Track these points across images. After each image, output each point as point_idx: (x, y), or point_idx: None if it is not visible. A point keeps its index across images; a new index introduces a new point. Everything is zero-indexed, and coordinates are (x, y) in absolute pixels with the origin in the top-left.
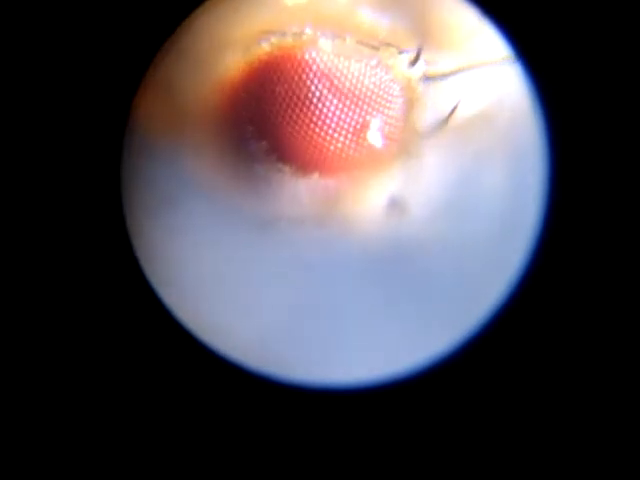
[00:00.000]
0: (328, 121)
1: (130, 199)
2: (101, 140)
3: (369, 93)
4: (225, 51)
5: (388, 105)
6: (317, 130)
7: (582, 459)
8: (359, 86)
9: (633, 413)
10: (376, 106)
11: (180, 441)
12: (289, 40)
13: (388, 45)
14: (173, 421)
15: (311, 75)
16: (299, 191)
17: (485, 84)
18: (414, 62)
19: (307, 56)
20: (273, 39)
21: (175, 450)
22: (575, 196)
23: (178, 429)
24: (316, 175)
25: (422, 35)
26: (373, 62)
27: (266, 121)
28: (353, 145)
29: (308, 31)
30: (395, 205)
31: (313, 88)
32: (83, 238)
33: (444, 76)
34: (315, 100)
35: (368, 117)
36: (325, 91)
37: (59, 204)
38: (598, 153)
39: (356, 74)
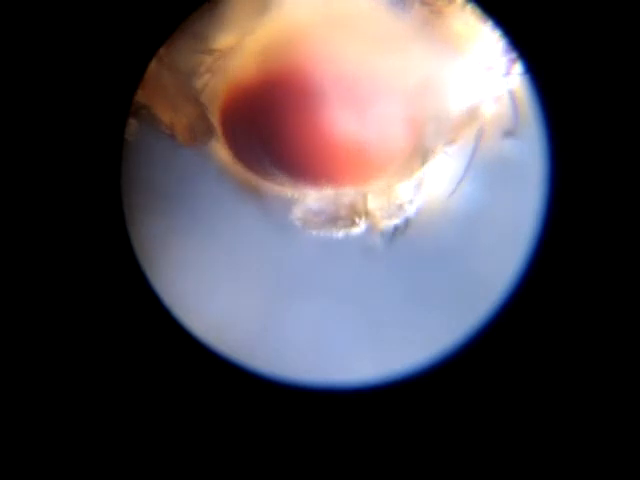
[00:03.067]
0: (341, 123)
1: (130, 199)
2: (101, 140)
3: (382, 95)
4: (231, 53)
5: (401, 107)
6: (327, 136)
7: (582, 459)
8: (372, 88)
9: (633, 413)
10: (389, 108)
11: (180, 440)
12: (301, 42)
13: (402, 46)
14: (173, 421)
15: (323, 77)
16: (305, 194)
17: (491, 87)
18: (427, 64)
19: (320, 57)
20: (284, 39)
21: (175, 450)
22: (575, 200)
23: (178, 429)
24: (325, 181)
25: (435, 36)
26: (387, 63)
27: (274, 127)
28: (365, 148)
29: (320, 32)
30: (402, 206)
31: (325, 90)
32: (83, 238)
33: (456, 77)
34: (327, 102)
35: (381, 119)
36: (337, 93)
37: (59, 204)
38: (598, 158)
39: (369, 76)
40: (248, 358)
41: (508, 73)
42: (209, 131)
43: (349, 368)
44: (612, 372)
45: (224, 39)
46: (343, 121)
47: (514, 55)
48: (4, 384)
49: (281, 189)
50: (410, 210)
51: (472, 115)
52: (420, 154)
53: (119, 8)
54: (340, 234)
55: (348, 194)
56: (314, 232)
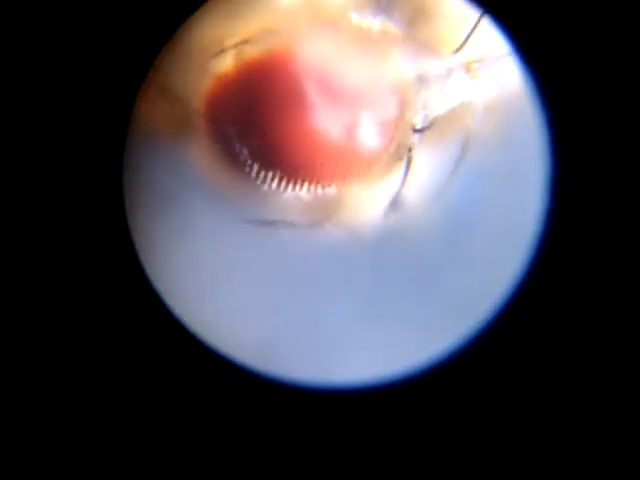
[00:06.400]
0: (322, 120)
1: (131, 199)
2: (102, 140)
3: (363, 92)
4: (221, 51)
5: (382, 105)
6: (311, 129)
7: (582, 459)
8: (354, 85)
9: (633, 413)
10: (370, 106)
11: (180, 441)
12: (284, 39)
13: (383, 44)
14: (173, 421)
15: (305, 74)
16: (294, 190)
17: (481, 82)
18: (409, 62)
19: (301, 55)
20: (268, 38)
21: (175, 450)
22: (576, 196)
23: (178, 429)
24: (311, 174)
25: (417, 34)
26: (368, 61)
27: (261, 120)
28: (347, 144)
29: (303, 30)
30: (391, 205)
31: (307, 87)
32: (84, 238)
33: (439, 75)
34: (309, 99)
35: (362, 117)
36: (318, 91)
37: (60, 204)
38: (599, 152)
39: (351, 73)
40: (248, 358)
41: (496, 73)
42: (192, 127)
43: (349, 368)
44: (612, 373)
45: (215, 39)
46: (324, 117)
47: (503, 55)
48: (4, 384)
49: (263, 187)
50: (399, 207)
51: (458, 114)
52: (404, 152)
53: (123, 10)
54: (329, 232)
55: (332, 191)
56: (300, 230)
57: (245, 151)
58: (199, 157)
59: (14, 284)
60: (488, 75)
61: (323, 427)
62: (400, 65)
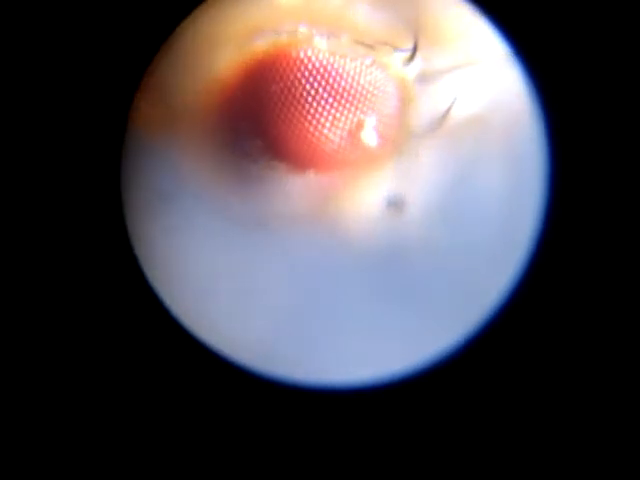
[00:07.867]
0: (323, 119)
1: (129, 199)
2: (101, 140)
3: (364, 92)
4: (221, 50)
5: (383, 104)
6: (312, 128)
7: (582, 459)
8: (354, 85)
9: (633, 413)
10: (371, 105)
11: (180, 441)
12: (284, 38)
13: (383, 44)
14: (173, 421)
15: (306, 73)
16: (293, 190)
17: (481, 83)
18: (409, 61)
19: (302, 54)
20: (268, 37)
21: (175, 450)
22: (575, 196)
23: (178, 429)
24: (311, 174)
25: (417, 33)
26: (368, 61)
27: (260, 119)
28: (348, 144)
29: (303, 29)
30: (391, 204)
31: (308, 86)
32: (83, 238)
33: (439, 75)
34: (310, 98)
35: (363, 116)
36: (320, 89)
37: (59, 204)
38: (598, 153)
39: (351, 73)
40: (248, 358)
41: (496, 74)
42: (190, 127)
43: (348, 368)
44: (612, 373)
45: (214, 39)
46: (326, 115)
47: (504, 56)
48: (4, 384)
49: (264, 184)
50: (400, 207)
51: (459, 115)
52: (406, 151)
53: (121, 9)
54: (329, 231)
55: (332, 189)
56: (300, 229)
57: (249, 148)
58: (197, 157)
59: (12, 284)
60: (489, 76)
61: (322, 427)
62: (401, 64)
